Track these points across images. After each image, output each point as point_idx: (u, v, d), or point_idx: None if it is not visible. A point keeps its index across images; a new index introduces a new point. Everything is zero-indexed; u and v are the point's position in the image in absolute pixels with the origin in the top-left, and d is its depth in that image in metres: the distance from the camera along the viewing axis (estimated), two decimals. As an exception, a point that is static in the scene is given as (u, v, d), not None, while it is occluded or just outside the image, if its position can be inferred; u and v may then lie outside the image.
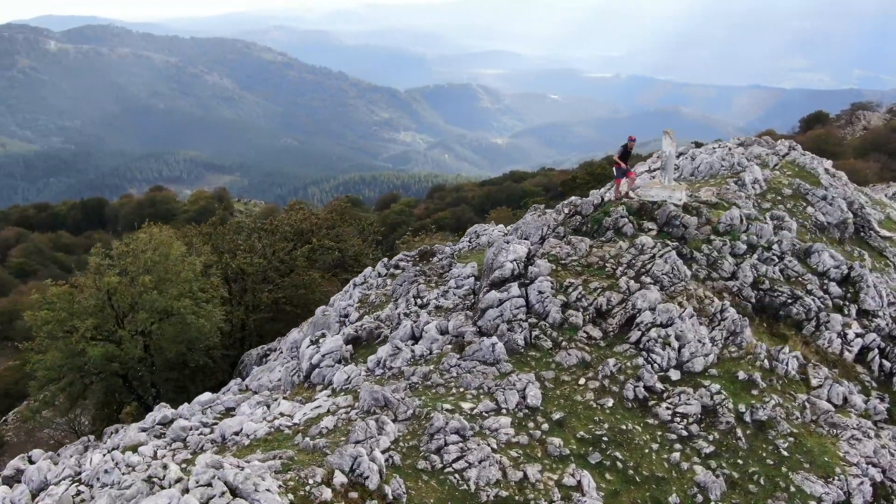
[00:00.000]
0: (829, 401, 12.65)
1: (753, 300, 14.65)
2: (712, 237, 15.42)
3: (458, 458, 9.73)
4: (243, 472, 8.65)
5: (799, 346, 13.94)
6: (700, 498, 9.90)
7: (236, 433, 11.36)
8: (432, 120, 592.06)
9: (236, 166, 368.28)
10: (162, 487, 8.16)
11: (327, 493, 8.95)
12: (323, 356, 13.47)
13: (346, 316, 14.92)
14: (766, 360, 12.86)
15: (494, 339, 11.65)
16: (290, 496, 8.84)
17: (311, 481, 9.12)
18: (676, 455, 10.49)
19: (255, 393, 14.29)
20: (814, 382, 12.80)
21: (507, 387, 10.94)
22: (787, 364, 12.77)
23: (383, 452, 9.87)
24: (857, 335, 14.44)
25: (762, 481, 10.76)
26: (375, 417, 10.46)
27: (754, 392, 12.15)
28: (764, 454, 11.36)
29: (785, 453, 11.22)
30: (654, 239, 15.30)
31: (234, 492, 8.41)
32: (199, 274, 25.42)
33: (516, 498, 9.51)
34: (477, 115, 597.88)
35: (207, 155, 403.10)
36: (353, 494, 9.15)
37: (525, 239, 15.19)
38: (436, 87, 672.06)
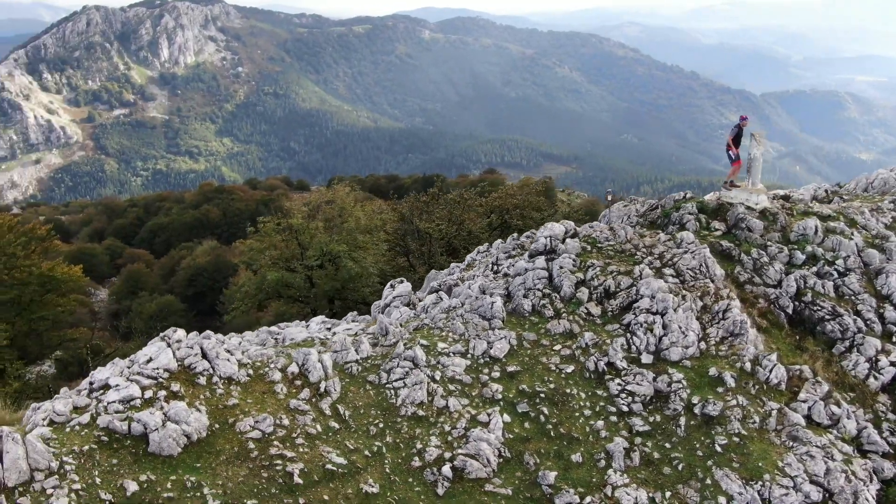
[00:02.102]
0: (807, 416, 11.18)
1: (790, 311, 13.22)
2: (770, 243, 14.09)
3: (399, 379, 11.07)
4: (218, 345, 11.34)
5: (818, 363, 12.28)
6: (602, 463, 9.78)
7: (291, 338, 14.07)
8: (786, 127, 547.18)
9: (572, 157, 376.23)
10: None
11: (276, 375, 11.10)
12: (394, 298, 15.40)
13: (451, 274, 16.47)
14: (748, 364, 11.66)
15: (496, 297, 12.35)
16: (249, 370, 11.23)
17: (271, 365, 11.40)
18: (602, 423, 10.35)
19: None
20: (801, 396, 11.34)
21: (483, 337, 11.72)
22: (769, 371, 11.46)
23: (347, 363, 11.66)
24: (893, 364, 12.23)
25: (680, 467, 10.09)
26: (358, 338, 12.34)
27: (719, 389, 11.20)
28: (697, 445, 10.54)
29: (719, 449, 10.38)
30: (718, 238, 14.52)
31: (205, 355, 11.03)
32: (363, 228, 29.30)
33: (430, 419, 10.58)
34: (840, 126, 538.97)
35: (548, 143, 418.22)
36: (297, 382, 11.16)
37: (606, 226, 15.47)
38: (796, 91, 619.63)
